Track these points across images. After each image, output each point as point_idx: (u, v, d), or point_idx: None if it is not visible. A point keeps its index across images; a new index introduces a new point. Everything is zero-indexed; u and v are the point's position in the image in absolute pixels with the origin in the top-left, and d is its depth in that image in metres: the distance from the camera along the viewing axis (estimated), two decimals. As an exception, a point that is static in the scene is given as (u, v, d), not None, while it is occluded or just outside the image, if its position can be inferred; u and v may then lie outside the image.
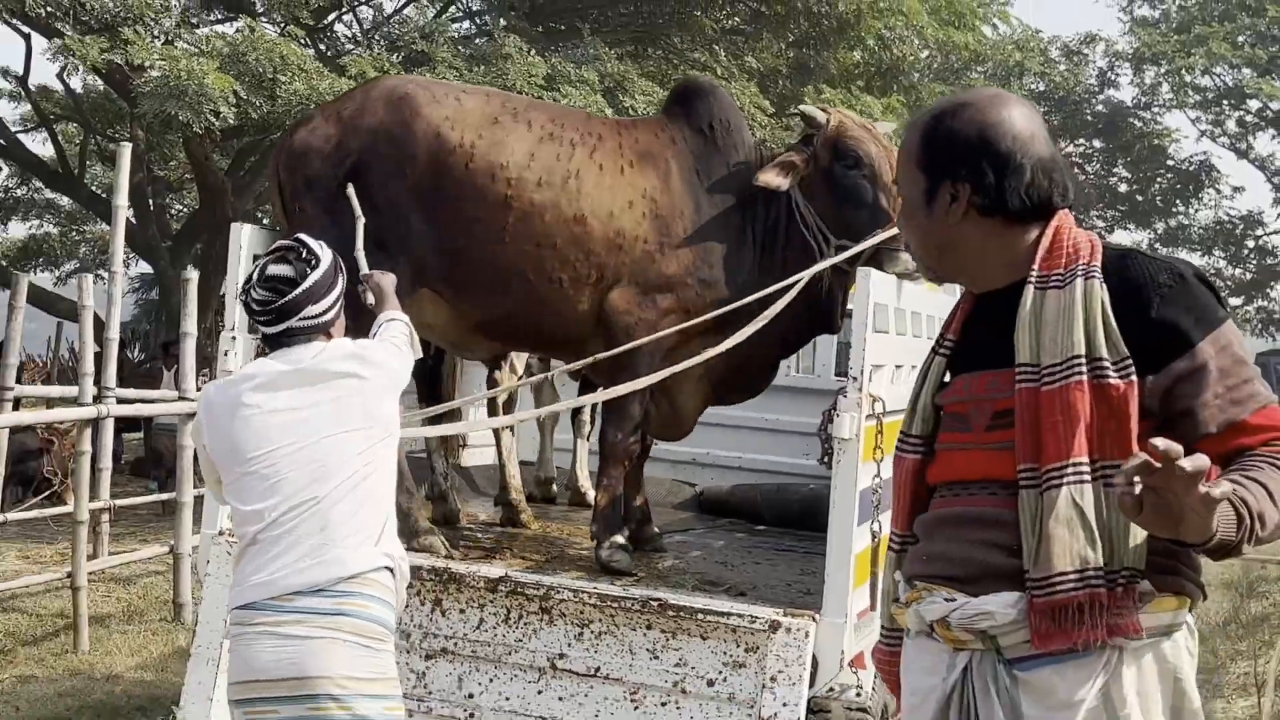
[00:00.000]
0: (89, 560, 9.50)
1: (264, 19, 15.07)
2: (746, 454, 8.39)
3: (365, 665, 3.70)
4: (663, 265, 5.58)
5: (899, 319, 5.96)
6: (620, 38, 17.97)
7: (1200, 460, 2.13)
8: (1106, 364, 2.47)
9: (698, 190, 5.66)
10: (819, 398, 8.14)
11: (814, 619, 5.03)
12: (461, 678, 5.34)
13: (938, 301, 7.18)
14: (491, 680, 5.32)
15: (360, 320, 4.67)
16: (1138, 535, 2.41)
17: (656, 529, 6.40)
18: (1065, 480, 2.44)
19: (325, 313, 4.01)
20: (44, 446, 11.93)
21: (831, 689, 5.25)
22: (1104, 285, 2.53)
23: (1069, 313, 2.51)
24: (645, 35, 18.27)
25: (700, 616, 5.07)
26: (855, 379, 5.25)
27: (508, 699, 5.28)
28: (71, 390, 11.01)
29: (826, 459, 7.18)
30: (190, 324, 10.75)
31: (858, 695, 5.42)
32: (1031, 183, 2.60)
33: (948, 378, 2.83)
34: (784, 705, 4.89)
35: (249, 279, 4.06)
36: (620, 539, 5.74)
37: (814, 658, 5.01)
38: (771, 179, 5.34)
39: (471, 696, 5.30)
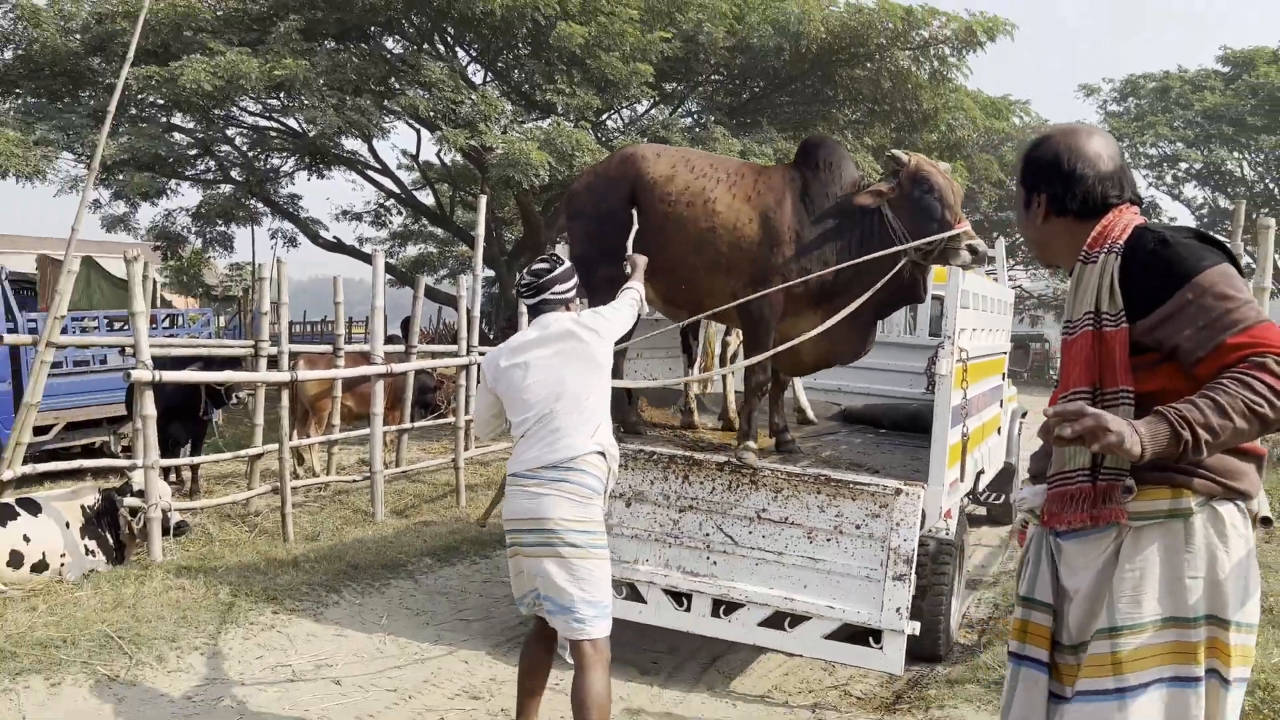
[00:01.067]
0: (464, 452, 9.89)
1: (564, 117, 15.45)
2: (873, 385, 8.48)
3: (577, 513, 3.88)
4: (771, 258, 5.41)
5: (972, 299, 6.05)
6: (785, 126, 18.10)
7: (1064, 409, 2.14)
8: (1106, 316, 2.32)
9: (803, 210, 5.46)
10: (919, 351, 8.19)
11: (923, 487, 5.19)
12: (700, 523, 5.47)
13: (991, 287, 7.31)
14: (719, 525, 5.44)
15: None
16: None
17: (792, 437, 6.17)
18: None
19: (565, 292, 4.24)
20: (437, 383, 12.27)
21: (931, 530, 5.37)
22: (1119, 257, 2.35)
23: (1090, 280, 2.37)
24: (801, 123, 18.32)
25: (851, 485, 5.21)
26: (950, 337, 5.39)
27: (730, 537, 5.41)
28: (452, 348, 11.62)
29: (930, 388, 7.25)
30: (524, 304, 11.26)
31: (945, 534, 5.52)
32: (1089, 191, 2.44)
33: None
34: (904, 540, 5.07)
35: (522, 273, 4.35)
36: (751, 444, 5.56)
37: (923, 511, 5.17)
38: (864, 200, 5.31)
39: (708, 535, 5.44)
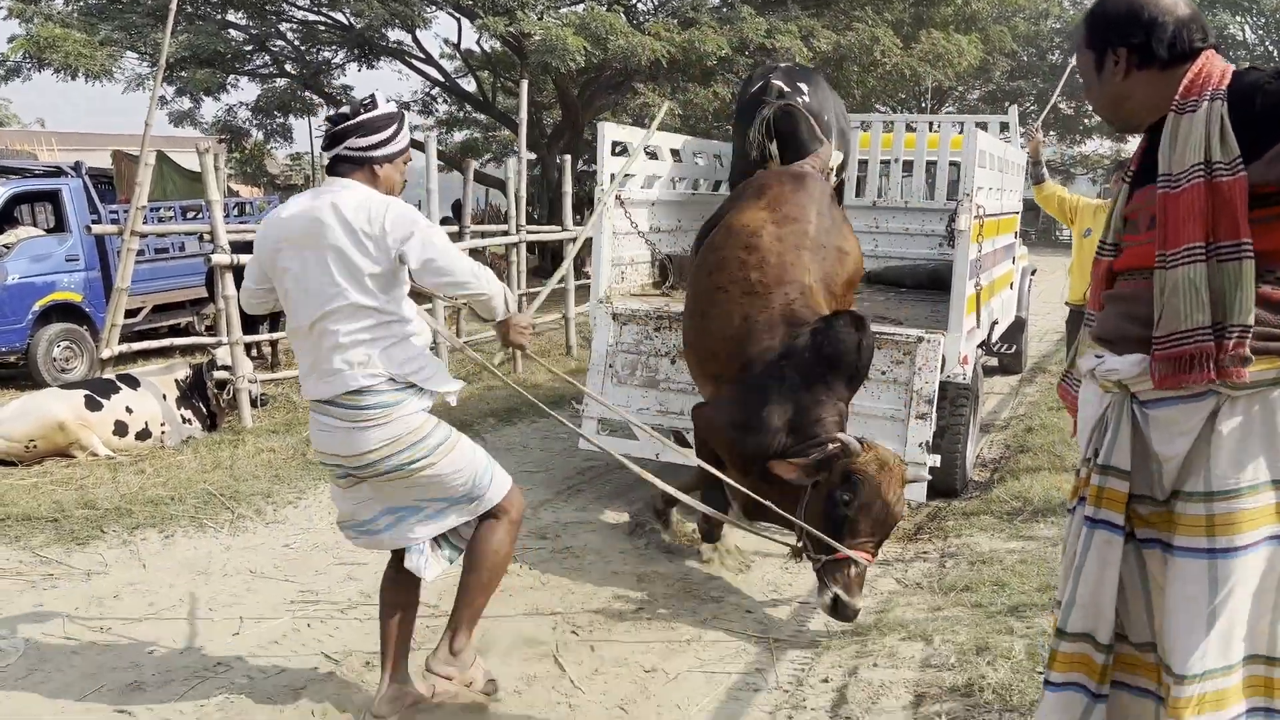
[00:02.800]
0: None
1: (597, 1, 14.98)
2: (894, 249, 8.36)
3: (385, 435, 2.93)
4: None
5: (988, 160, 5.90)
6: (809, 4, 17.28)
7: None
8: (1219, 165, 2.00)
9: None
10: (936, 214, 8.03)
11: (943, 334, 5.18)
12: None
13: (1005, 149, 7.12)
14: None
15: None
16: (1244, 302, 1.99)
17: None
18: (1181, 260, 2.02)
19: (370, 149, 2.94)
20: (490, 262, 12.15)
21: (950, 375, 5.37)
22: (1225, 102, 2.04)
23: (1195, 130, 2.05)
24: (825, 2, 17.49)
25: (878, 335, 5.22)
26: (968, 194, 5.28)
27: None
28: (501, 227, 11.56)
29: (949, 243, 7.12)
30: (566, 185, 11.13)
31: (963, 379, 5.51)
32: (1176, 36, 2.15)
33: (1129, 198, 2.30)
34: (926, 383, 5.09)
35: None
36: None
37: (943, 357, 5.17)
38: (782, 470, 3.78)
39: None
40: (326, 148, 3.00)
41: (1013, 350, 9.08)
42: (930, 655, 3.58)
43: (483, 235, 12.41)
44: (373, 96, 3.03)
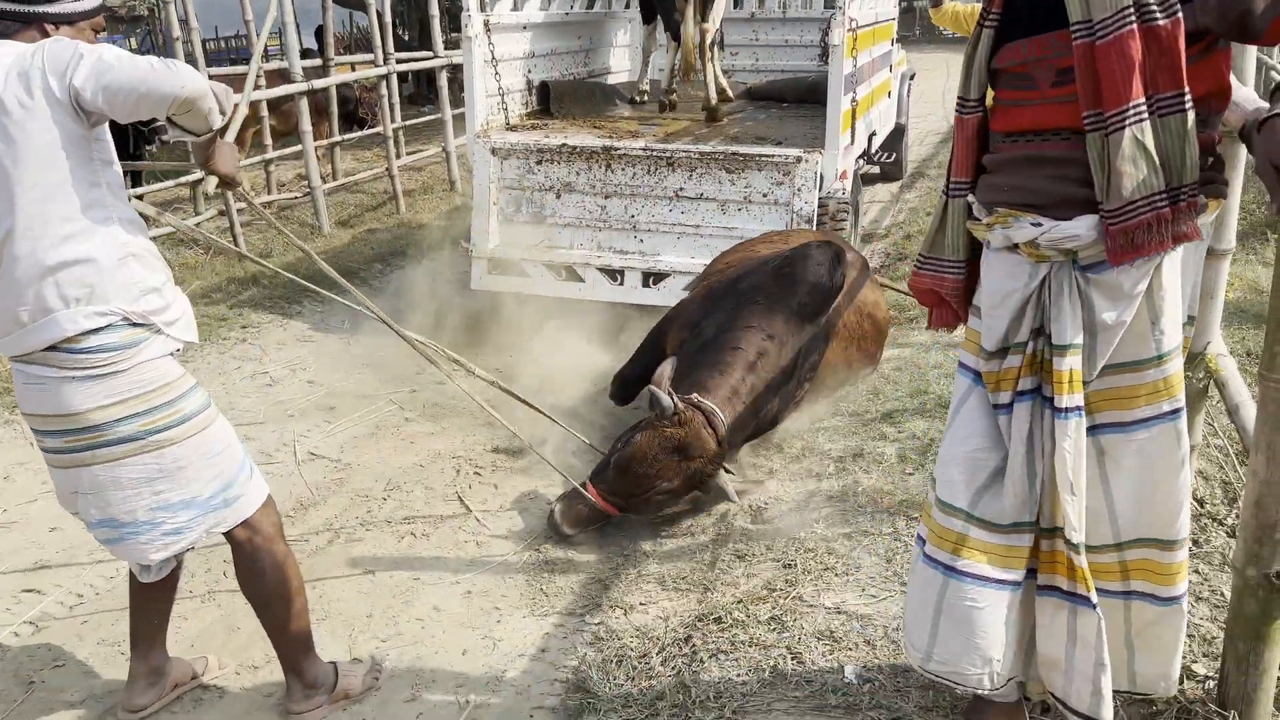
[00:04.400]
0: (396, 160, 9.55)
1: None
2: (773, 62, 8.26)
3: (110, 389, 2.18)
4: None
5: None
6: None
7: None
8: (1153, 6, 1.78)
9: None
10: (812, 24, 7.92)
11: (820, 153, 5.23)
12: (626, 206, 5.53)
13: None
14: (642, 206, 5.50)
15: None
16: (1192, 157, 1.85)
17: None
18: (1127, 122, 1.82)
19: (38, 2, 2.20)
20: (359, 97, 11.54)
21: (829, 193, 5.45)
22: None
23: None
24: None
25: (757, 158, 5.26)
26: (841, 8, 5.22)
27: (653, 216, 5.49)
28: (369, 57, 10.95)
29: (823, 59, 7.08)
30: (433, 5, 10.47)
31: (842, 194, 5.60)
32: None
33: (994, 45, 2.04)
34: (805, 203, 5.19)
35: None
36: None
37: (820, 175, 5.24)
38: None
39: (634, 217, 5.52)
40: None
41: (892, 159, 9.21)
42: (811, 465, 3.82)
43: (352, 67, 11.78)
44: None
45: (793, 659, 2.68)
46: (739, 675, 2.64)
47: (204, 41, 8.77)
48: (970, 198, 2.13)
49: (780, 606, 2.90)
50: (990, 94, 2.11)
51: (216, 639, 3.06)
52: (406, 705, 2.73)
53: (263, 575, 2.51)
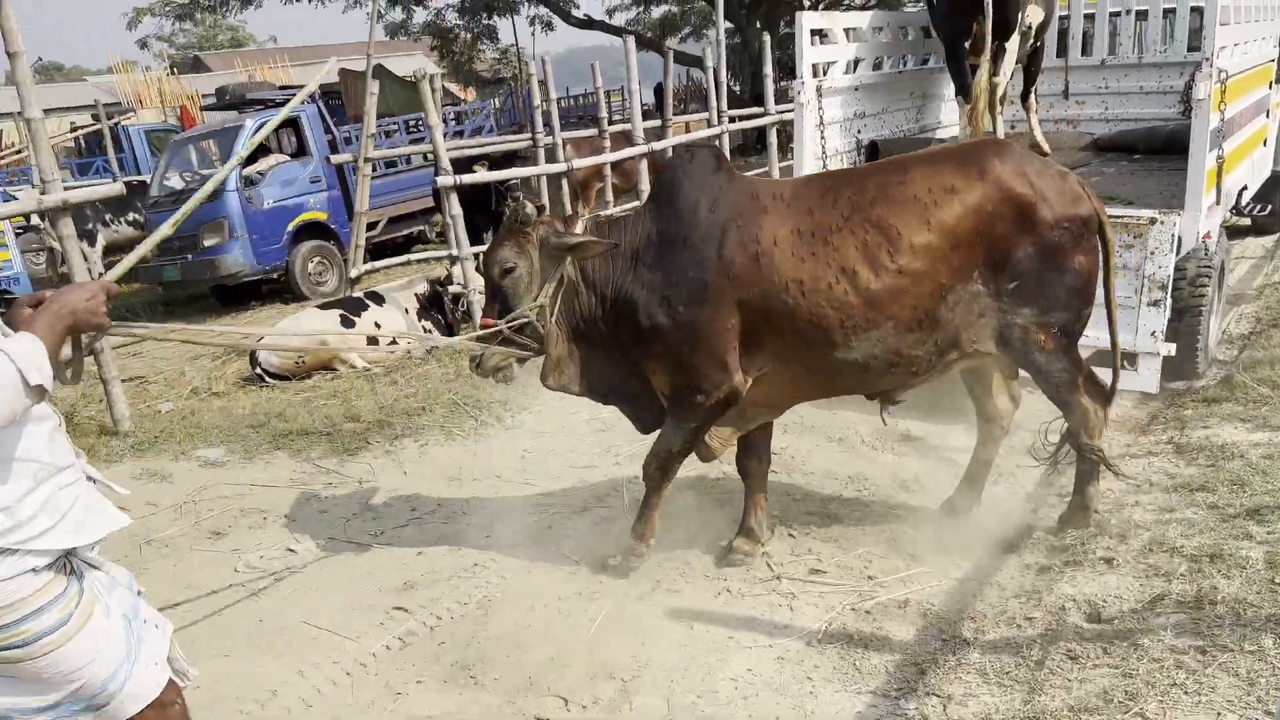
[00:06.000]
0: None
1: None
2: (1125, 109, 7.68)
3: None
4: None
5: (1233, 13, 5.28)
6: None
7: None
8: None
9: None
10: (1172, 69, 7.27)
11: (1178, 214, 4.81)
12: None
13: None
14: None
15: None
16: None
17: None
18: None
19: None
20: None
21: (1189, 254, 5.00)
22: None
23: None
24: None
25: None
26: (1208, 58, 4.79)
27: None
28: (703, 115, 11.42)
29: (1186, 111, 6.49)
30: (767, 65, 10.79)
31: (1204, 256, 5.11)
32: None
33: None
34: (1159, 267, 4.78)
35: None
36: None
37: (1178, 238, 4.81)
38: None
39: None
40: None
41: (1267, 210, 8.23)
42: (1159, 562, 3.49)
43: (687, 127, 12.37)
44: None
45: (1131, 781, 2.47)
46: (1067, 790, 2.46)
47: (557, 100, 9.60)
48: None
49: (1117, 720, 2.68)
50: None
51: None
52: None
53: None
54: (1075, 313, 3.61)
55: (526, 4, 21.04)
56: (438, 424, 5.69)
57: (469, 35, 22.29)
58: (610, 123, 11.10)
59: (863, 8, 22.30)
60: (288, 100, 11.53)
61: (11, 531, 1.91)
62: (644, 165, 8.75)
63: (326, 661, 3.49)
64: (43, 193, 5.80)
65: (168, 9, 24.65)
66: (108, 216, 12.89)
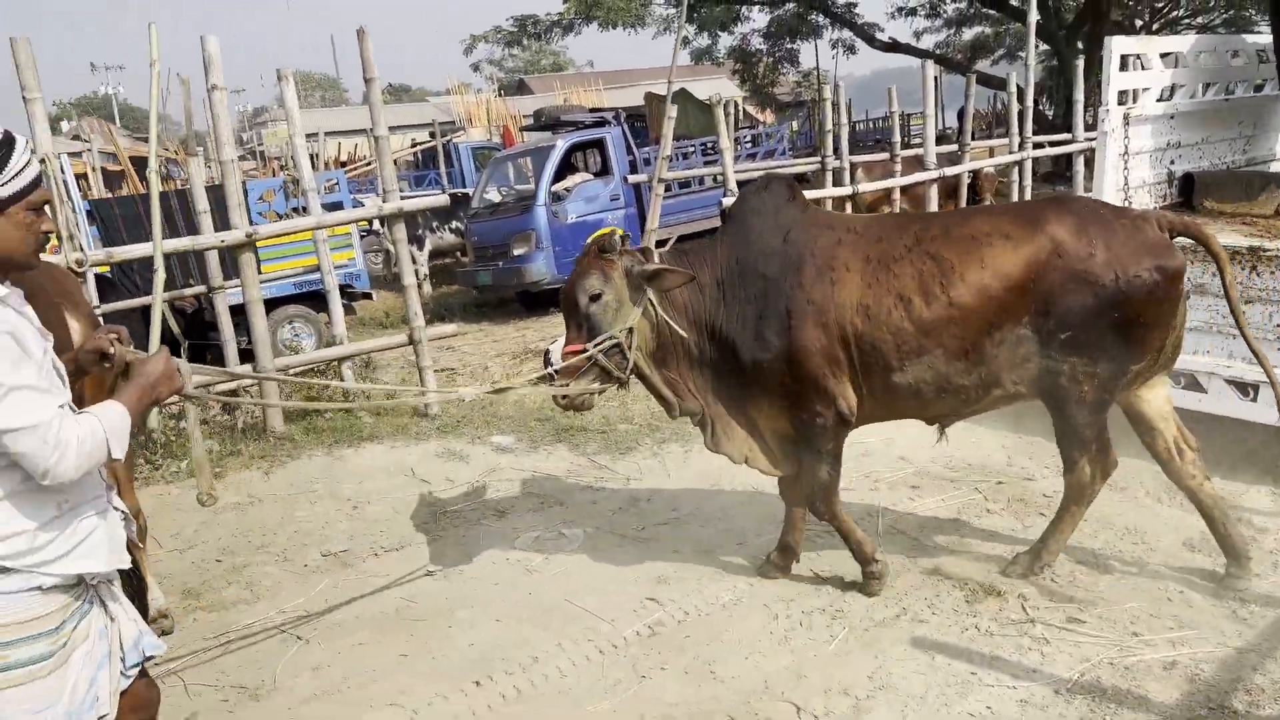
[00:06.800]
0: None
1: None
2: None
3: None
4: None
5: None
6: None
7: None
8: None
9: None
10: None
11: None
12: (1271, 315, 4.88)
13: None
14: None
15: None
16: None
17: None
18: None
19: None
20: (980, 182, 11.36)
21: None
22: None
23: None
24: None
25: None
26: None
27: None
28: (1004, 141, 10.99)
29: None
30: (1078, 91, 10.24)
31: None
32: None
33: None
34: None
35: None
36: None
37: None
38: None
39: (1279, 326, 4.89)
40: None
41: None
42: None
43: (990, 152, 11.94)
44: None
45: None
46: None
47: (854, 124, 9.65)
48: None
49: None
50: None
51: None
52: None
53: None
54: (1124, 367, 3.62)
55: (830, 28, 21.16)
56: (704, 433, 5.95)
57: (770, 59, 22.74)
58: (907, 146, 10.99)
59: (1202, 29, 20.46)
60: (596, 122, 12.43)
61: (27, 554, 1.99)
62: (933, 191, 8.60)
63: (583, 638, 3.81)
64: (383, 201, 6.67)
65: (499, 36, 27.02)
66: (434, 224, 14.42)
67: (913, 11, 24.89)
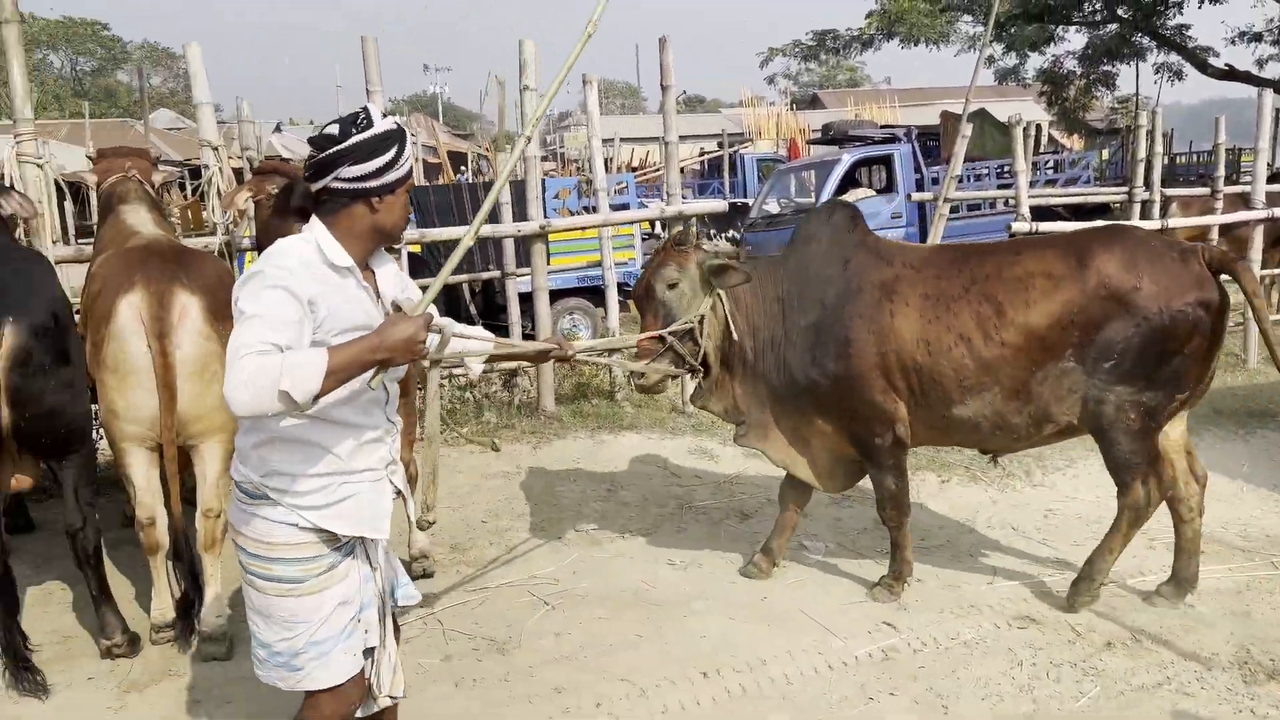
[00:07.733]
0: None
1: None
2: None
3: (238, 519, 2.35)
4: None
5: None
6: None
7: None
8: None
9: None
10: None
11: None
12: None
13: None
14: None
15: None
16: None
17: None
18: None
19: (364, 179, 2.26)
20: None
21: None
22: None
23: None
24: None
25: None
26: None
27: None
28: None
29: None
30: (1263, 140, 8.71)
31: None
32: None
33: None
34: None
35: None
36: None
37: None
38: None
39: None
40: (311, 178, 2.31)
41: None
42: None
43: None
44: (365, 111, 2.31)
45: None
46: None
47: (1174, 156, 8.91)
48: None
49: None
50: None
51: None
52: None
53: None
54: (1170, 395, 3.73)
55: (1156, 51, 19.50)
56: (963, 464, 5.72)
57: (1083, 82, 21.25)
58: (1232, 183, 9.97)
59: None
60: (886, 138, 12.23)
61: (286, 494, 2.27)
62: (1257, 233, 7.74)
63: (813, 650, 3.80)
64: (666, 205, 6.93)
65: (796, 50, 27.14)
66: (711, 231, 14.72)
67: (1257, 37, 22.41)
